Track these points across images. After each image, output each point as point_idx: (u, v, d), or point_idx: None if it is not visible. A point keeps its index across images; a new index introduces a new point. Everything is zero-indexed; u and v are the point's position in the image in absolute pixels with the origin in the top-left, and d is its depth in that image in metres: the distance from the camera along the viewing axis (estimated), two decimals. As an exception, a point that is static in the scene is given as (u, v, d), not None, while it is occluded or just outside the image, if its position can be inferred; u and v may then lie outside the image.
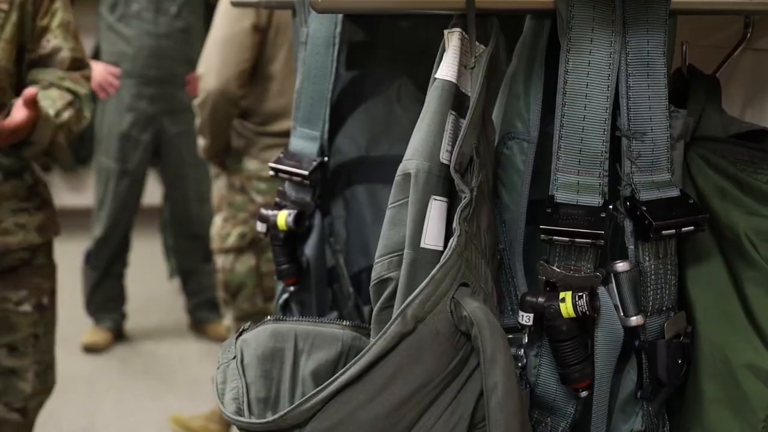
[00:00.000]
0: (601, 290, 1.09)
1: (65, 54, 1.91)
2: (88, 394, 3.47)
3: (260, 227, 1.44)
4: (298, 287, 1.45)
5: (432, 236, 1.04)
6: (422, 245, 1.04)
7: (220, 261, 2.86)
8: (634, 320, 1.10)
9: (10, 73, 1.85)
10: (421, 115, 1.08)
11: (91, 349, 3.85)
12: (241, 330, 1.19)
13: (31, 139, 1.76)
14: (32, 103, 1.68)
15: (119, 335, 4.01)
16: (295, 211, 1.40)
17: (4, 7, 1.84)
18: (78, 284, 3.92)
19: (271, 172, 1.44)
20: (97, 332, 3.92)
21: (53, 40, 1.90)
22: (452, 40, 1.10)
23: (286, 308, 1.47)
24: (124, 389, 3.55)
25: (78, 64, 1.95)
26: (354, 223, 1.50)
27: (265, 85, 2.76)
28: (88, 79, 1.98)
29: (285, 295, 1.46)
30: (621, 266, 1.10)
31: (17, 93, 1.80)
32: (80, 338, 3.86)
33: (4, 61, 1.83)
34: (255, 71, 2.73)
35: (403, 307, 0.99)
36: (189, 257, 4.02)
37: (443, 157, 1.06)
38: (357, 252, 1.49)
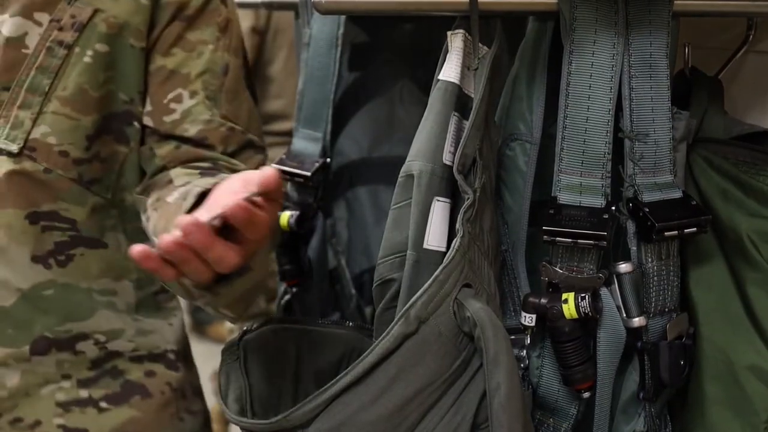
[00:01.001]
0: (604, 291, 1.08)
1: (211, 125, 1.09)
2: (88, 395, 3.46)
3: (262, 228, 1.44)
4: (300, 288, 1.45)
5: (435, 237, 1.04)
6: (425, 246, 1.03)
7: (221, 262, 2.86)
8: (637, 321, 1.10)
9: (74, 160, 1.05)
10: (424, 116, 1.07)
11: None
12: (243, 331, 1.19)
13: (252, 263, 0.93)
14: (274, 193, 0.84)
15: (120, 336, 4.00)
16: (297, 212, 1.40)
17: (67, 38, 1.02)
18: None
19: (273, 174, 1.44)
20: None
21: (188, 100, 1.07)
22: (455, 41, 1.10)
23: (288, 309, 1.47)
24: (124, 390, 3.53)
25: (239, 142, 1.13)
26: (356, 225, 1.49)
27: (264, 87, 2.76)
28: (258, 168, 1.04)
29: (287, 296, 1.46)
30: (623, 267, 1.10)
31: (115, 198, 1.07)
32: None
33: (57, 136, 1.03)
34: (254, 73, 2.74)
35: (406, 308, 0.99)
36: (189, 258, 4.01)
37: (446, 158, 1.06)
38: (359, 253, 1.49)
